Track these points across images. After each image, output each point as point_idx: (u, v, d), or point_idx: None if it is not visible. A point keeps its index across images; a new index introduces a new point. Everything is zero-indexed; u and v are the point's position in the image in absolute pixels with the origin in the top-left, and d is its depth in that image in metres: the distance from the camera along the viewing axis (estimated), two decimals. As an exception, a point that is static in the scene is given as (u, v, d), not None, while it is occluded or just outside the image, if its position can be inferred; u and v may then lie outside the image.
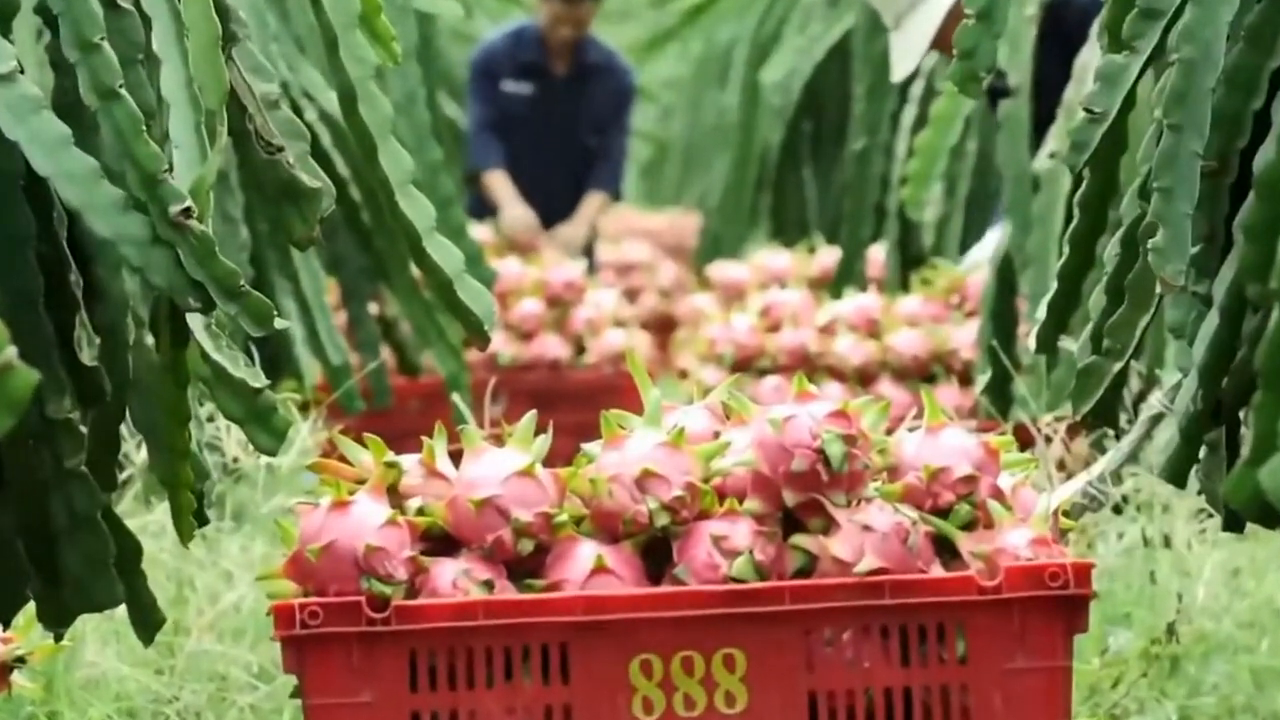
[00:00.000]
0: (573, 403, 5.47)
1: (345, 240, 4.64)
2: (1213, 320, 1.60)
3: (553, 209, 7.04)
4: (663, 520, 1.54)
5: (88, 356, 1.58)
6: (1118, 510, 2.98)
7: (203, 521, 1.80)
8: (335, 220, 4.22)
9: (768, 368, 5.12)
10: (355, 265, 4.78)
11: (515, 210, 6.92)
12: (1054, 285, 2.01)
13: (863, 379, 4.93)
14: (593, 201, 7.24)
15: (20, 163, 1.51)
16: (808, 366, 4.84)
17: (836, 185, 6.88)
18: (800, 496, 1.54)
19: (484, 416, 3.02)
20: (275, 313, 1.55)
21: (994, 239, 4.83)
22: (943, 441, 1.62)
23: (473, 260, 3.59)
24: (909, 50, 4.42)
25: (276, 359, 4.21)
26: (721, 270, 7.20)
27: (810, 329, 5.16)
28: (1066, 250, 1.98)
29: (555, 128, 7.11)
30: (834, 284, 5.88)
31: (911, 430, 1.68)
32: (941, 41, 4.14)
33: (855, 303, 5.26)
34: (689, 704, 1.55)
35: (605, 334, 6.05)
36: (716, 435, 1.66)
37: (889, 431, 1.68)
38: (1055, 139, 4.03)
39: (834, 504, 1.54)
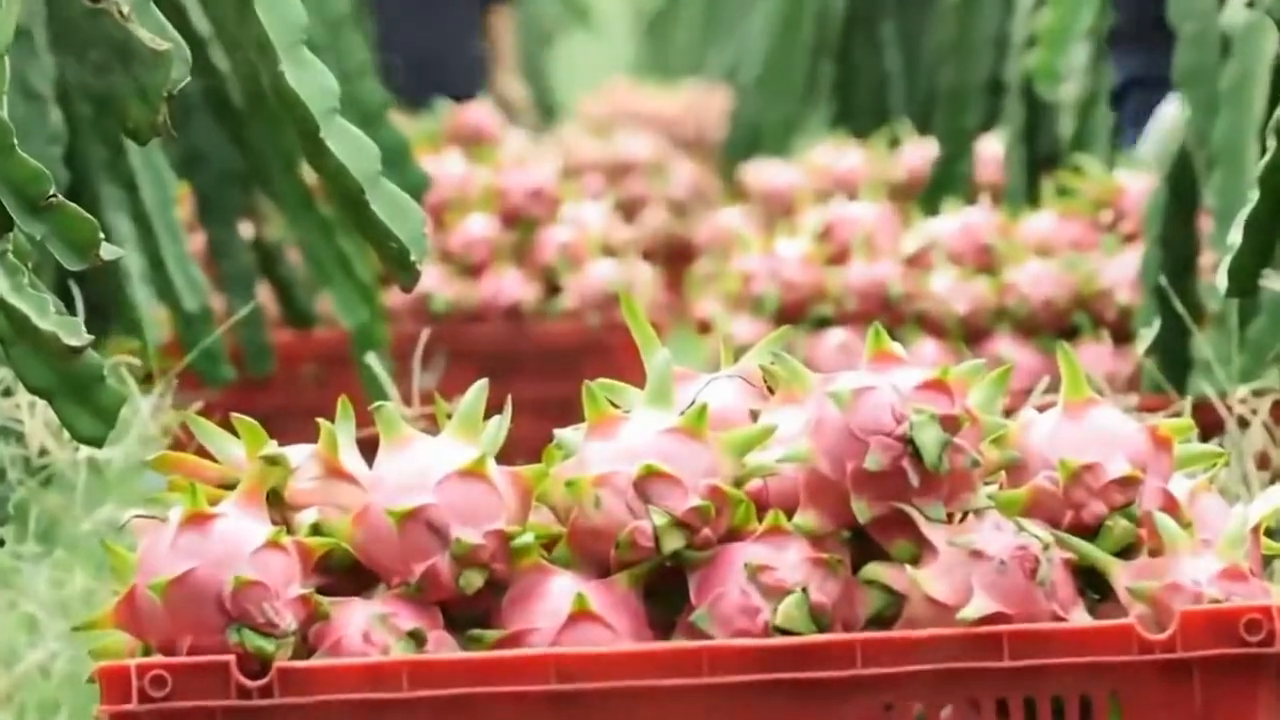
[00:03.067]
0: (542, 368, 5.46)
1: (205, 129, 4.62)
2: None
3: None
4: (675, 542, 1.53)
5: None
6: (1345, 527, 2.98)
7: (-6, 543, 1.79)
8: (191, 99, 4.19)
9: (830, 317, 5.10)
10: (220, 166, 4.76)
11: None
12: (1253, 195, 2.00)
13: (971, 333, 4.92)
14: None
15: None
16: (889, 315, 4.83)
17: (929, 49, 6.85)
18: (878, 508, 1.54)
19: (411, 388, 3.00)
20: (102, 235, 1.54)
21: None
22: (1089, 426, 1.61)
23: (395, 156, 3.56)
24: None
25: (105, 304, 4.18)
26: (762, 174, 7.19)
27: (892, 260, 5.15)
28: (1272, 143, 1.97)
29: None
30: (927, 194, 5.87)
31: (1043, 409, 1.67)
32: None
33: (959, 221, 5.24)
34: (714, 813, 1.55)
35: (589, 267, 6.03)
36: (754, 417, 1.65)
37: (1009, 412, 1.67)
38: (1256, -22, 4.01)
39: (928, 519, 1.53)
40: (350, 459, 1.61)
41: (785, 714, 1.53)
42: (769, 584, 1.52)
